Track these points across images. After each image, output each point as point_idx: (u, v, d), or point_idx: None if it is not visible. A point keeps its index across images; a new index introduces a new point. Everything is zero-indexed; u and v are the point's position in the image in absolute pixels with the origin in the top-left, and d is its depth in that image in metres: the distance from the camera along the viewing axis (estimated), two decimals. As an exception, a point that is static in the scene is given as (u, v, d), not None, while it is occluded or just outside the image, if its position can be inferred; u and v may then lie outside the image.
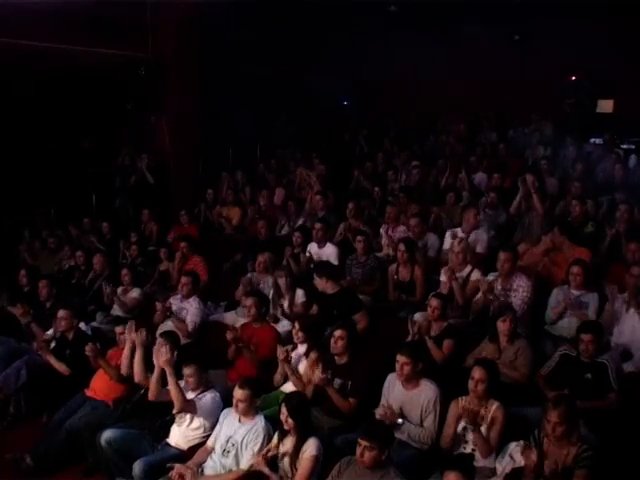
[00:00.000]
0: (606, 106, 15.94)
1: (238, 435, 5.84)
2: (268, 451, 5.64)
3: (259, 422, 5.87)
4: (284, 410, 5.54)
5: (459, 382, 5.95)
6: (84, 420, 6.83)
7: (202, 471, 5.89)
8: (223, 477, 5.83)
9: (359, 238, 8.70)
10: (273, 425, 5.88)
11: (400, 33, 15.90)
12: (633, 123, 14.02)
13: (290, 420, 5.50)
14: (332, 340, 6.50)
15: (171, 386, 6.15)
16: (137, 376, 6.72)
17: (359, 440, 5.03)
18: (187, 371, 6.28)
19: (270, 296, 8.10)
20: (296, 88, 15.68)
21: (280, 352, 6.56)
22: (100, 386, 7.23)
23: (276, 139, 14.98)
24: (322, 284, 7.81)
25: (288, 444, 5.59)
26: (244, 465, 5.78)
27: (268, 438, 5.81)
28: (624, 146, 13.74)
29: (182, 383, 6.30)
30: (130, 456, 6.10)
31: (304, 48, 15.48)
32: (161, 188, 12.96)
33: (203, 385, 6.36)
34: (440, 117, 15.67)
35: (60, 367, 7.58)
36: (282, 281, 8.13)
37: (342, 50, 16.29)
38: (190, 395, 6.29)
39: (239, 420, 5.90)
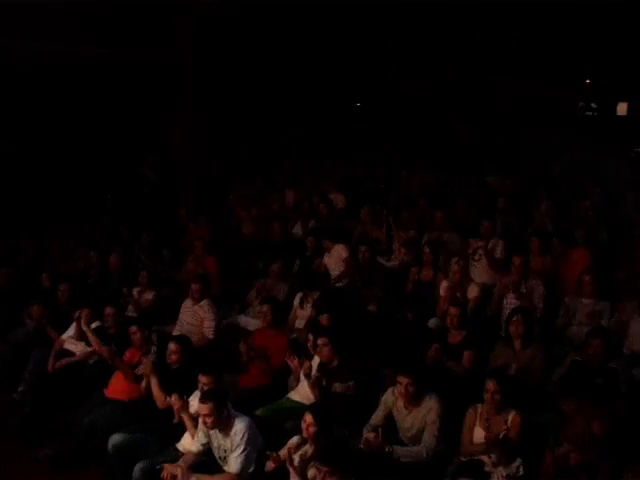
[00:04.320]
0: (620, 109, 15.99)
1: (227, 442, 5.80)
2: (278, 457, 5.61)
3: (238, 424, 5.77)
4: (308, 418, 5.49)
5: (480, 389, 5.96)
6: (101, 422, 6.86)
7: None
8: (216, 477, 5.85)
9: (362, 249, 8.78)
10: (268, 425, 6.02)
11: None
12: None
13: (312, 429, 5.45)
14: (317, 349, 6.65)
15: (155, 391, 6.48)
16: (159, 403, 6.74)
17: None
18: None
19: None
20: (311, 89, 15.73)
21: (305, 367, 6.61)
22: (118, 386, 7.27)
23: (289, 143, 14.98)
24: None
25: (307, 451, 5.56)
26: (232, 469, 5.75)
27: (250, 434, 5.76)
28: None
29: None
30: (136, 461, 6.12)
31: (319, 48, 15.48)
32: (166, 187, 13.10)
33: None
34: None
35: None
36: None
37: (358, 50, 16.26)
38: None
39: (220, 431, 5.82)
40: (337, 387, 6.52)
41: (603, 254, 8.42)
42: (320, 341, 6.64)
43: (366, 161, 13.71)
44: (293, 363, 6.71)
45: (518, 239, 8.92)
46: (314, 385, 6.54)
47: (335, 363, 6.64)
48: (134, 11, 12.21)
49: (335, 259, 8.94)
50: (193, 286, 8.33)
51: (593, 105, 16.47)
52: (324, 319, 7.40)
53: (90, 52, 12.09)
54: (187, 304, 8.38)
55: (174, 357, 6.90)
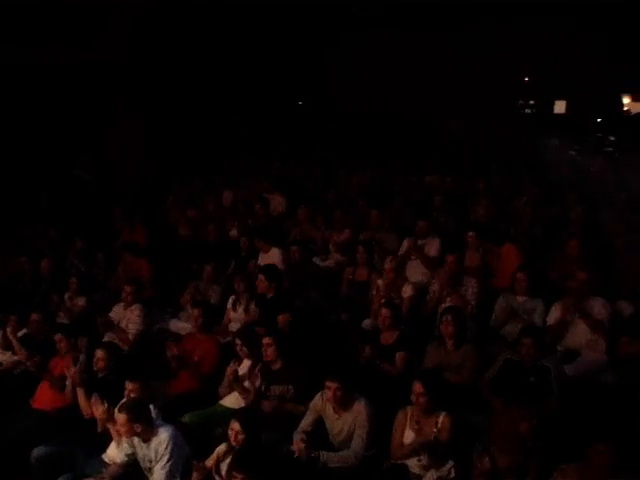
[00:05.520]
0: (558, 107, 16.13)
1: (151, 452, 5.69)
2: (203, 467, 5.50)
3: (162, 434, 5.66)
4: (235, 426, 5.41)
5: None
6: (26, 434, 6.63)
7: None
8: None
9: (294, 249, 8.68)
10: (197, 432, 5.92)
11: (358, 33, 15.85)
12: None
13: (240, 436, 5.37)
14: (262, 348, 6.50)
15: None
16: (85, 413, 6.56)
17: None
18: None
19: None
20: (251, 89, 15.58)
21: (229, 372, 6.52)
22: (44, 396, 7.10)
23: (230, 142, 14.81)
24: (265, 286, 7.80)
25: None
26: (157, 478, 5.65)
27: (174, 443, 5.65)
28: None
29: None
30: (60, 474, 5.95)
31: (257, 47, 15.35)
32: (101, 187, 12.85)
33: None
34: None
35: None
36: (239, 286, 8.11)
37: (299, 49, 16.19)
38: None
39: (143, 441, 5.72)
40: (276, 390, 6.41)
41: (538, 251, 8.44)
42: (265, 341, 6.51)
43: (305, 160, 13.63)
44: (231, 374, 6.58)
45: (454, 237, 8.87)
46: (244, 390, 6.44)
47: (278, 365, 6.52)
48: (67, 10, 11.94)
49: (270, 261, 8.78)
50: (125, 289, 8.16)
51: (531, 102, 16.62)
52: (285, 318, 7.30)
53: (24, 52, 11.84)
54: (118, 308, 8.20)
55: (101, 364, 6.75)
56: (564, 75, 15.00)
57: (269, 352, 6.49)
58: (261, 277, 7.86)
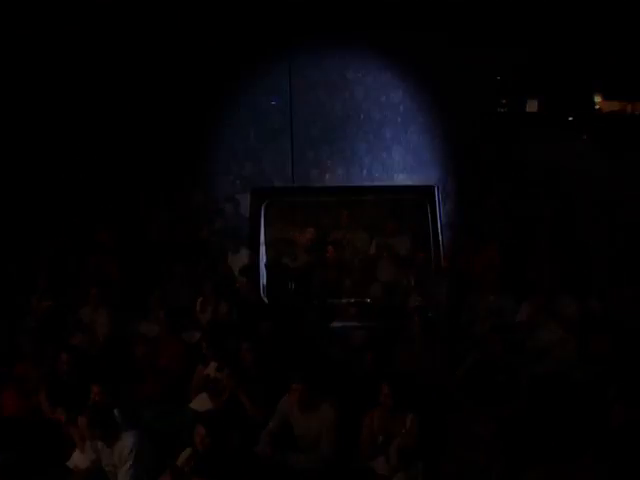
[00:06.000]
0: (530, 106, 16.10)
1: (115, 457, 5.59)
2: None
3: (126, 439, 5.55)
4: (201, 430, 5.33)
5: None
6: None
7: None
8: None
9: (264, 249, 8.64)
10: (163, 436, 5.86)
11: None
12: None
13: (206, 440, 5.30)
14: (241, 353, 6.48)
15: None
16: (45, 413, 6.50)
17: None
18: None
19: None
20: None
21: (199, 378, 6.54)
22: (10, 402, 6.89)
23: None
24: (247, 289, 7.74)
25: None
26: None
27: (139, 448, 5.54)
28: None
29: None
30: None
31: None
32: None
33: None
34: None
35: None
36: (208, 287, 8.08)
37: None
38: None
39: (107, 446, 5.64)
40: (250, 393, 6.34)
41: (512, 250, 8.44)
42: (244, 346, 6.51)
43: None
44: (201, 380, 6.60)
45: (425, 236, 8.87)
46: (215, 394, 6.40)
47: (254, 371, 6.46)
48: None
49: (240, 263, 8.73)
50: (92, 291, 8.16)
51: (503, 101, 16.60)
52: (266, 323, 7.28)
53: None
54: (86, 310, 8.14)
55: (66, 367, 6.68)
56: (536, 73, 14.99)
57: (247, 357, 6.46)
58: (242, 280, 7.80)
